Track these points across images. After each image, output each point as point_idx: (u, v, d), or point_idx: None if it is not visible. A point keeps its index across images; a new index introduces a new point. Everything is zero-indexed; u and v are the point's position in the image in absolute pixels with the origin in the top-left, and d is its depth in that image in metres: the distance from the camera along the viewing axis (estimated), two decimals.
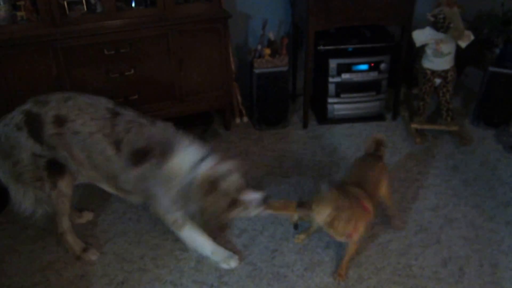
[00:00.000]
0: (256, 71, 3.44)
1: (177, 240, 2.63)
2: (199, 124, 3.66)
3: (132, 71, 3.16)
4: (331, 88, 3.55)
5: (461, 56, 3.50)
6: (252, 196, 2.18)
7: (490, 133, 3.57)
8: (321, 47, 3.48)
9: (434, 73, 3.37)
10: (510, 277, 2.51)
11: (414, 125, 3.53)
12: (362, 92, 3.61)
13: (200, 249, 2.48)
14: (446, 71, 3.36)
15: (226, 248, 2.54)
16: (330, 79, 3.52)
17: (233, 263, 2.49)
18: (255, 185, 2.32)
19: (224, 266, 2.47)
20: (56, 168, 2.36)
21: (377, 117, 3.70)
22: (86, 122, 2.24)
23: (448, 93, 3.44)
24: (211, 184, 2.10)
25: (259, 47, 3.45)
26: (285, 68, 3.47)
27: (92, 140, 2.24)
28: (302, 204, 2.19)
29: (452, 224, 2.81)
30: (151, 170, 2.20)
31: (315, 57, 3.49)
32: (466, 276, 2.51)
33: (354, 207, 2.19)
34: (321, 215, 2.13)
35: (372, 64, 3.53)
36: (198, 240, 2.46)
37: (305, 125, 3.57)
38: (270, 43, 3.48)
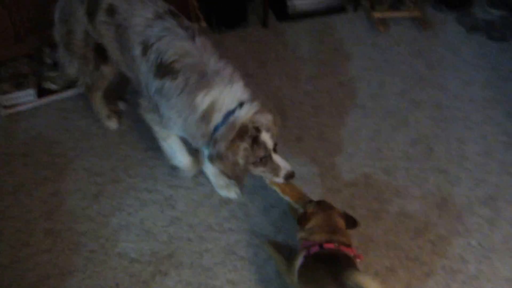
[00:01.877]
0: None
1: (148, 149, 2.59)
2: None
3: None
4: None
5: None
6: (283, 165, 2.01)
7: (452, 16, 3.53)
8: None
9: None
10: (475, 150, 2.62)
11: (376, 14, 3.44)
12: None
13: (175, 161, 2.39)
14: None
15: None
16: None
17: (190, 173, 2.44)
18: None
19: (188, 174, 2.43)
20: (102, 53, 2.38)
21: (338, 9, 3.57)
22: (127, 18, 2.14)
23: None
24: (246, 135, 1.91)
25: None
26: None
27: (125, 36, 2.14)
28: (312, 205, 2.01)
29: (419, 106, 2.85)
30: (174, 90, 1.98)
31: None
32: (435, 153, 2.60)
33: None
34: None
35: None
36: (176, 153, 2.34)
37: (265, 24, 3.43)
38: None
